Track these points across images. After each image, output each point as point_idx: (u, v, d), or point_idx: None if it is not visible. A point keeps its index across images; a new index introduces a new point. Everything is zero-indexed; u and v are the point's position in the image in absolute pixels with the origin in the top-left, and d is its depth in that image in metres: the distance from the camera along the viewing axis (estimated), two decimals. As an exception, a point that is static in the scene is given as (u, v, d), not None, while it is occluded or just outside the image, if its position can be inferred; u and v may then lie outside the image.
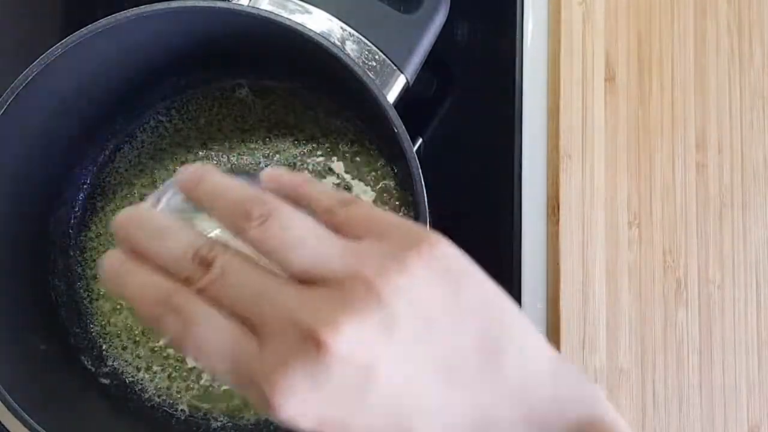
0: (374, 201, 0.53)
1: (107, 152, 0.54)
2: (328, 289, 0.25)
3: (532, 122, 0.57)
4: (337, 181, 0.53)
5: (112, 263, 0.27)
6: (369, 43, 0.48)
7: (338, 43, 0.48)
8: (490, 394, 0.27)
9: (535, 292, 0.55)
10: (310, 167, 0.53)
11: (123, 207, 0.54)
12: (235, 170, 0.54)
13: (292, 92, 0.54)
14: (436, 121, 0.58)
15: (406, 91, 0.49)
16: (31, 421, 0.43)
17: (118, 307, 0.53)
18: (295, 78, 0.54)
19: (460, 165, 0.58)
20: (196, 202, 0.29)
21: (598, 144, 0.55)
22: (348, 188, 0.53)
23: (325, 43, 0.45)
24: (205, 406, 0.51)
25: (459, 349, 0.26)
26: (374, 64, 0.48)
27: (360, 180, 0.53)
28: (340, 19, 0.49)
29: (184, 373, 0.52)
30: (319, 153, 0.54)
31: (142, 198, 0.54)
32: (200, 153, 0.54)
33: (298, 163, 0.54)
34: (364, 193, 0.53)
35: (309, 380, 0.24)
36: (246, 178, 0.28)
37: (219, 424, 0.51)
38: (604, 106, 0.56)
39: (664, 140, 0.56)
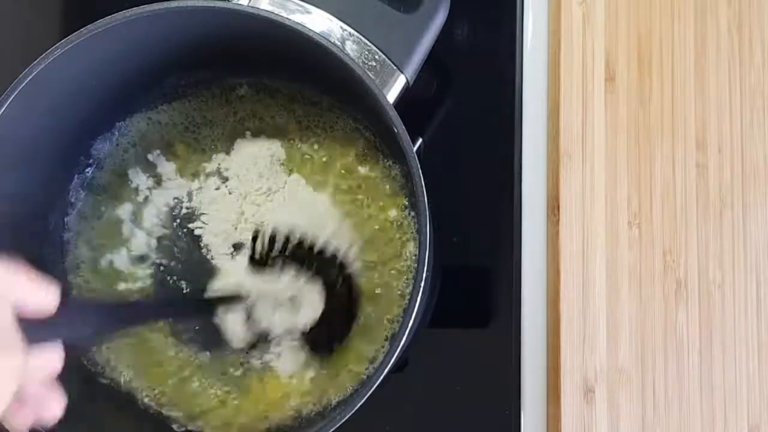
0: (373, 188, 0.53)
1: (107, 152, 0.54)
2: None
3: (532, 122, 0.57)
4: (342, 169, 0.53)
5: None
6: (369, 43, 0.48)
7: (338, 43, 0.48)
8: None
9: (535, 292, 0.55)
10: (312, 162, 0.53)
11: (123, 206, 0.54)
12: (237, 169, 0.54)
13: (293, 91, 0.54)
14: (436, 121, 0.58)
15: (406, 91, 0.49)
16: (31, 421, 0.43)
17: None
18: (295, 77, 0.54)
19: (460, 165, 0.58)
20: None
21: (598, 144, 0.55)
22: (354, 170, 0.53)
23: (325, 43, 0.45)
24: (205, 406, 0.51)
25: None
26: (374, 64, 0.48)
27: (364, 167, 0.53)
28: (340, 19, 0.49)
29: (183, 375, 0.52)
30: (320, 150, 0.54)
31: (140, 197, 0.54)
32: (201, 152, 0.54)
33: (299, 159, 0.54)
34: (370, 170, 0.53)
35: None
36: None
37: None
38: (604, 106, 0.56)
39: (664, 140, 0.56)
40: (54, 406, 0.35)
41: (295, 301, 0.51)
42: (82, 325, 0.38)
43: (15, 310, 0.31)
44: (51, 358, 0.34)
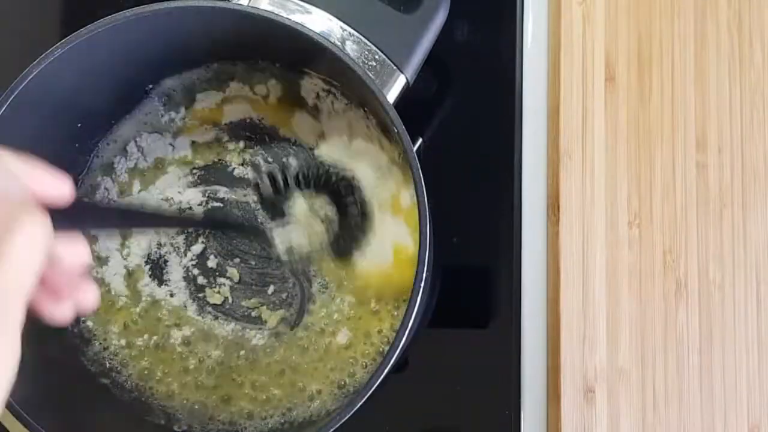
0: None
1: (107, 151, 0.54)
2: None
3: (532, 122, 0.57)
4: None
5: None
6: (369, 43, 0.48)
7: (338, 43, 0.48)
8: None
9: (535, 292, 0.55)
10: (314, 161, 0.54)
11: (122, 205, 0.54)
12: (242, 167, 0.54)
13: (292, 89, 0.54)
14: (436, 121, 0.58)
15: (406, 91, 0.49)
16: (31, 421, 0.43)
17: (118, 307, 0.53)
18: (295, 76, 0.54)
19: (460, 165, 0.58)
20: None
21: (598, 144, 0.55)
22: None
23: (325, 43, 0.45)
24: (205, 407, 0.51)
25: None
26: (374, 64, 0.48)
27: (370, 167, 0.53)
28: (340, 19, 0.49)
29: (182, 375, 0.52)
30: (322, 146, 0.54)
31: (141, 197, 0.54)
32: (204, 152, 0.54)
33: (300, 152, 0.54)
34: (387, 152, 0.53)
35: None
36: None
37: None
38: (604, 106, 0.56)
39: (664, 140, 0.56)
40: (89, 296, 0.36)
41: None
42: (99, 221, 0.40)
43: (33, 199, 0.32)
44: (77, 248, 0.35)
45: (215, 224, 0.55)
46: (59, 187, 0.34)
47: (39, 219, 0.31)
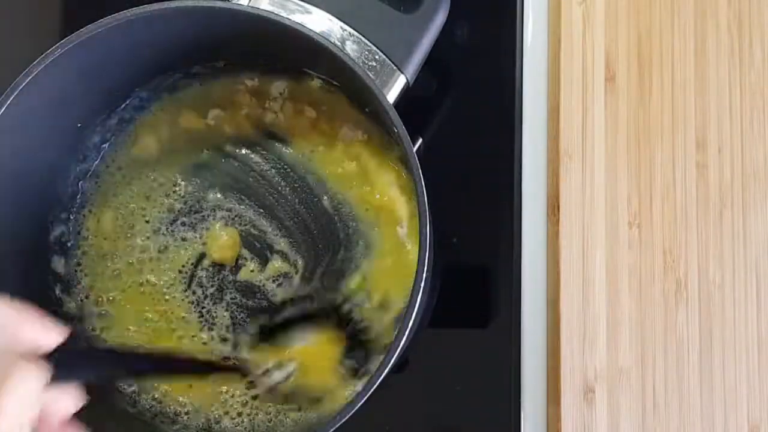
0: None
1: (106, 151, 0.54)
2: None
3: (532, 122, 0.57)
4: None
5: None
6: (369, 43, 0.48)
7: (338, 43, 0.48)
8: None
9: (535, 292, 0.55)
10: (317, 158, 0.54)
11: (123, 207, 0.54)
12: (241, 168, 0.54)
13: (292, 89, 0.54)
14: (436, 121, 0.58)
15: (406, 91, 0.49)
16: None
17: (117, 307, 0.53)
18: (295, 76, 0.54)
19: (460, 165, 0.58)
20: None
21: (598, 144, 0.55)
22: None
23: (325, 43, 0.45)
24: (206, 407, 0.51)
25: None
26: (374, 64, 0.48)
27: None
28: (340, 19, 0.49)
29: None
30: (323, 145, 0.54)
31: (142, 196, 0.54)
32: (205, 153, 0.54)
33: (305, 153, 0.54)
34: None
35: None
36: None
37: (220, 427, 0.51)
38: (604, 106, 0.56)
39: (664, 140, 0.56)
40: None
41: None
42: (96, 371, 0.39)
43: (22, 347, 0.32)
44: (65, 398, 0.34)
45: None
46: (49, 335, 0.33)
47: (30, 372, 0.30)
